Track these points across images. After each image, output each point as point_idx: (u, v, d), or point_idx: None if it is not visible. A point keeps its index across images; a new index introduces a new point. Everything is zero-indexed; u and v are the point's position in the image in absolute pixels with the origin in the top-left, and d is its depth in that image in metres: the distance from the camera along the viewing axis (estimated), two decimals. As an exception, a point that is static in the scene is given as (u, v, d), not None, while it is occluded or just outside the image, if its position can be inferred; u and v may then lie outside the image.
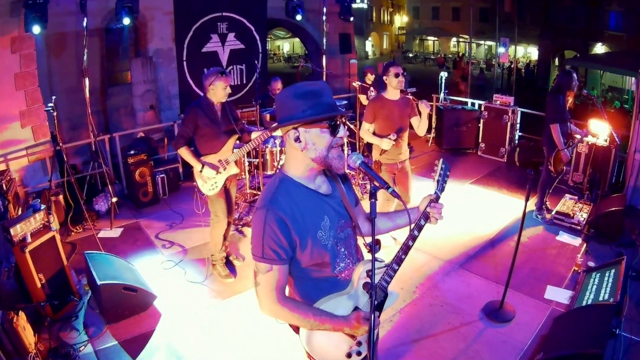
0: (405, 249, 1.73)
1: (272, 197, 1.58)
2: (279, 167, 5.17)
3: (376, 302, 1.73)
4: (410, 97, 4.04)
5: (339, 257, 1.70)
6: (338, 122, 1.59)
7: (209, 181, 3.70)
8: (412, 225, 1.75)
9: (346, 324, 1.64)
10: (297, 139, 1.57)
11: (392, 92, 3.92)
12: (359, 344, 1.71)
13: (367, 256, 1.83)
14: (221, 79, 3.56)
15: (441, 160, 1.85)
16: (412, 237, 1.73)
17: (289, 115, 1.56)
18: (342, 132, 1.60)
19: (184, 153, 3.64)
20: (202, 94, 3.70)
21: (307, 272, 1.67)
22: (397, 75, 3.83)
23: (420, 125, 3.93)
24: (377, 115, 3.93)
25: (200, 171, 3.65)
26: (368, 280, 1.72)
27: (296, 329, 1.74)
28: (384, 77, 3.91)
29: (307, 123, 1.55)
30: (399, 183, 4.21)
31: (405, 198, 4.20)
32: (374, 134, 4.00)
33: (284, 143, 1.67)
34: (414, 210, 1.83)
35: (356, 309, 1.70)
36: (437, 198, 1.77)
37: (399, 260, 1.72)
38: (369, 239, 1.87)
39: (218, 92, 3.59)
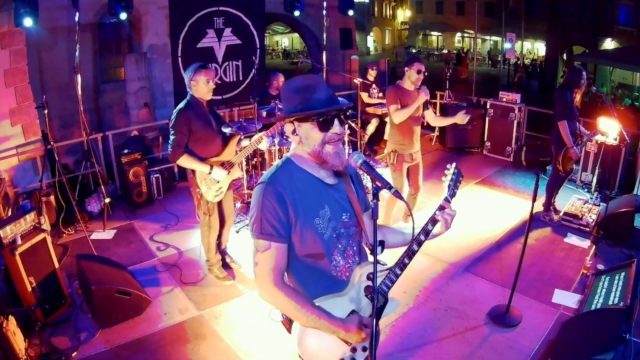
0: (410, 254, 1.71)
1: (273, 174, 1.65)
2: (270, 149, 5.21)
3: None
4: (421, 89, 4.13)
5: (338, 252, 1.70)
6: (331, 118, 1.61)
7: (214, 187, 3.59)
8: (419, 230, 1.74)
9: (343, 327, 1.62)
10: (294, 132, 1.66)
11: (408, 84, 4.12)
12: (354, 350, 1.70)
13: (370, 258, 1.84)
14: (201, 72, 3.38)
15: (454, 164, 1.83)
16: (418, 242, 1.71)
17: (285, 109, 1.65)
18: (337, 128, 1.62)
19: (185, 161, 3.45)
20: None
21: (304, 264, 1.67)
22: (419, 72, 4.03)
23: (436, 120, 4.51)
24: (399, 102, 4.07)
25: (209, 173, 3.51)
26: (368, 283, 1.71)
27: (289, 329, 1.74)
28: (405, 69, 4.08)
29: (298, 118, 1.62)
30: (411, 173, 4.41)
31: (415, 189, 4.46)
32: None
33: (282, 141, 1.71)
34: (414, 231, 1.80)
35: (353, 312, 1.69)
36: (448, 203, 1.74)
37: (402, 265, 1.71)
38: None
39: (201, 87, 3.41)
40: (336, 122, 1.62)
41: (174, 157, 3.45)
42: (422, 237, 1.72)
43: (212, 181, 3.58)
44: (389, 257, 1.74)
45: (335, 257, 1.69)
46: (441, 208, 1.73)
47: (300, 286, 1.71)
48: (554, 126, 4.58)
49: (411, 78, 4.04)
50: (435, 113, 4.31)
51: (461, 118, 4.23)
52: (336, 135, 1.63)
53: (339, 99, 1.79)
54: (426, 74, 4.10)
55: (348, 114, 6.29)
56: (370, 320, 1.68)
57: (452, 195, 1.78)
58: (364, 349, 1.72)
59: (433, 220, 1.72)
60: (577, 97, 4.51)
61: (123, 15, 5.94)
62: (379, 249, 1.84)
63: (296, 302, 1.59)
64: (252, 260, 1.63)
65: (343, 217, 1.71)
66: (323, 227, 1.65)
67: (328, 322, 1.61)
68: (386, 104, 4.19)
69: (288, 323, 1.75)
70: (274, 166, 1.70)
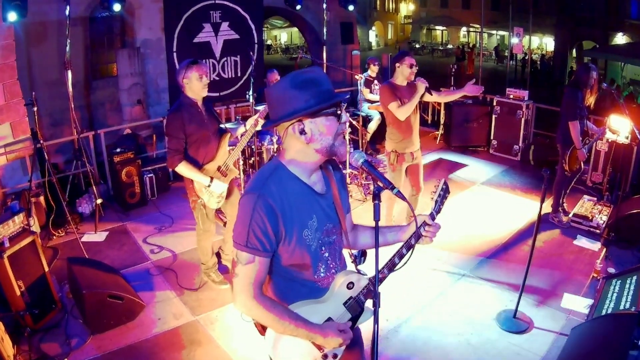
0: (391, 265, 1.75)
1: (265, 183, 1.59)
2: (275, 154, 5.17)
3: (351, 316, 1.77)
4: (416, 81, 4.12)
5: (321, 262, 1.71)
6: (340, 109, 1.62)
7: (215, 194, 3.57)
8: (402, 244, 1.79)
9: (321, 333, 1.66)
10: (303, 132, 1.58)
11: (401, 80, 4.12)
12: (325, 356, 1.74)
13: (350, 266, 1.87)
14: (193, 68, 3.31)
15: (442, 180, 1.91)
16: (400, 255, 1.75)
17: (291, 108, 1.55)
18: (345, 117, 1.64)
19: (185, 170, 3.39)
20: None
21: (286, 271, 1.69)
22: (411, 66, 4.05)
23: (443, 97, 4.50)
24: (397, 98, 4.06)
25: (209, 186, 3.48)
26: (347, 291, 1.75)
27: (262, 330, 1.76)
28: (397, 64, 4.09)
29: (312, 113, 1.56)
30: (411, 173, 4.40)
31: (417, 189, 4.43)
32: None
33: (280, 140, 1.68)
34: (403, 228, 1.84)
35: (329, 319, 1.73)
36: (432, 219, 1.79)
37: (382, 277, 1.75)
38: (354, 250, 1.91)
39: (194, 85, 3.34)
40: (343, 111, 1.63)
41: (172, 164, 3.40)
42: (404, 251, 1.76)
43: (214, 191, 3.56)
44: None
45: (319, 267, 1.71)
46: (425, 223, 1.77)
47: (280, 292, 1.73)
48: (561, 125, 4.59)
49: (404, 73, 4.07)
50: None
51: (471, 89, 4.13)
52: (344, 124, 1.64)
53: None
54: (417, 67, 4.12)
55: (348, 110, 6.30)
56: (346, 325, 1.73)
57: (438, 211, 1.83)
58: (335, 356, 1.76)
59: (417, 236, 1.76)
60: (590, 99, 4.47)
61: (117, 7, 5.93)
62: (360, 259, 1.89)
63: (274, 314, 1.61)
64: (232, 270, 1.63)
65: (327, 226, 1.71)
66: (311, 239, 1.65)
67: (306, 329, 1.64)
68: (383, 103, 4.15)
69: (261, 326, 1.77)
70: (265, 172, 1.64)
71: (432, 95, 4.18)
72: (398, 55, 4.18)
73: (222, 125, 3.69)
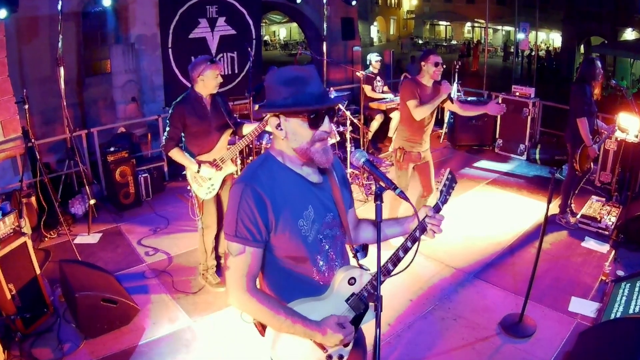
0: (395, 260, 1.73)
1: (253, 172, 1.62)
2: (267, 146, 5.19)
3: (355, 314, 1.75)
4: (442, 83, 4.15)
5: (321, 255, 1.70)
6: (322, 115, 1.60)
7: (204, 184, 3.68)
8: (406, 236, 1.77)
9: (319, 330, 1.64)
10: (279, 127, 1.62)
11: (427, 79, 4.16)
12: (329, 357, 1.73)
13: (352, 262, 1.86)
14: (211, 67, 3.52)
15: (447, 170, 1.89)
16: (404, 249, 1.73)
17: (270, 100, 1.62)
18: (327, 126, 1.62)
19: (176, 155, 3.62)
20: (189, 84, 3.68)
21: (283, 265, 1.68)
22: (436, 65, 4.08)
23: (464, 111, 4.45)
24: (418, 97, 4.08)
25: (198, 172, 3.63)
26: (349, 287, 1.74)
27: (262, 331, 1.75)
28: (422, 63, 4.14)
29: (286, 112, 1.59)
30: (421, 173, 4.44)
31: (427, 190, 4.48)
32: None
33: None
34: (405, 220, 1.83)
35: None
36: (438, 210, 1.76)
37: (386, 271, 1.73)
38: (355, 245, 1.91)
39: (209, 83, 3.55)
40: (326, 119, 1.62)
41: (165, 148, 3.64)
42: (409, 244, 1.74)
43: (202, 178, 3.67)
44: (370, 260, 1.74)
45: (318, 260, 1.70)
46: (427, 215, 1.74)
47: (277, 289, 1.72)
48: (570, 123, 4.59)
49: (429, 72, 4.09)
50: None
51: (494, 108, 4.12)
52: (325, 133, 1.62)
53: (333, 93, 1.79)
54: (444, 66, 4.13)
55: (349, 109, 6.29)
56: (345, 318, 1.70)
57: (444, 201, 1.81)
58: (340, 357, 1.75)
59: (422, 228, 1.73)
60: (596, 91, 4.50)
61: (107, 2, 5.94)
62: (361, 253, 1.88)
63: (269, 309, 1.60)
64: (224, 263, 1.63)
65: (327, 218, 1.71)
66: (307, 230, 1.65)
67: (303, 326, 1.63)
68: (402, 99, 4.17)
69: (261, 325, 1.77)
70: (254, 163, 1.67)
71: (452, 103, 4.25)
72: (424, 53, 4.22)
73: (242, 121, 3.86)
